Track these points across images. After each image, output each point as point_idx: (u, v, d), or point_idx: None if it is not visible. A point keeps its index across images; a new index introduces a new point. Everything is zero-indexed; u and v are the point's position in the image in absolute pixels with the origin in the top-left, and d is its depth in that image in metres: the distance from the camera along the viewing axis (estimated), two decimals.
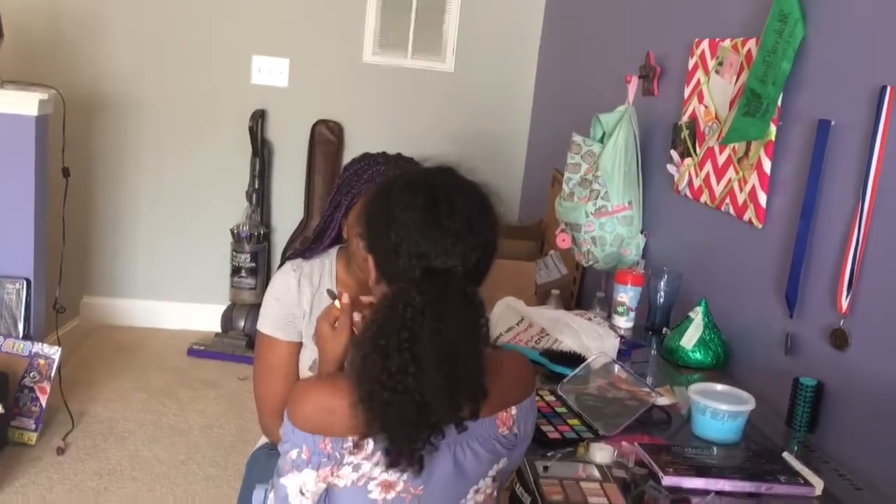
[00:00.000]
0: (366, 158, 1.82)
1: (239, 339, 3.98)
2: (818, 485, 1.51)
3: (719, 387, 1.78)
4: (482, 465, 1.29)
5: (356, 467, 1.23)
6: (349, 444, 1.22)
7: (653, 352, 2.31)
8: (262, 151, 4.14)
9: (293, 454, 1.23)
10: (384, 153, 1.84)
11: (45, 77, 3.28)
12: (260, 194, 4.16)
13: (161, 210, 4.22)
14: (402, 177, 1.33)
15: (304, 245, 1.87)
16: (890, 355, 1.62)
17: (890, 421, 1.61)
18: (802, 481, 1.52)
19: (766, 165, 2.06)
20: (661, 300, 2.43)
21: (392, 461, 1.17)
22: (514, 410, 1.27)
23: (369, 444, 1.21)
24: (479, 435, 1.27)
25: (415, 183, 1.27)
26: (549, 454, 1.58)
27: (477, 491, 1.29)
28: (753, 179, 2.11)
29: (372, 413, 1.14)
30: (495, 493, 1.33)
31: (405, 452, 1.15)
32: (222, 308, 4.12)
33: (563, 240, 2.97)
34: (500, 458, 1.32)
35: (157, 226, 4.23)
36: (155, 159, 4.18)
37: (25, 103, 2.92)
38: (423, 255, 1.19)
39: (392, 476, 1.22)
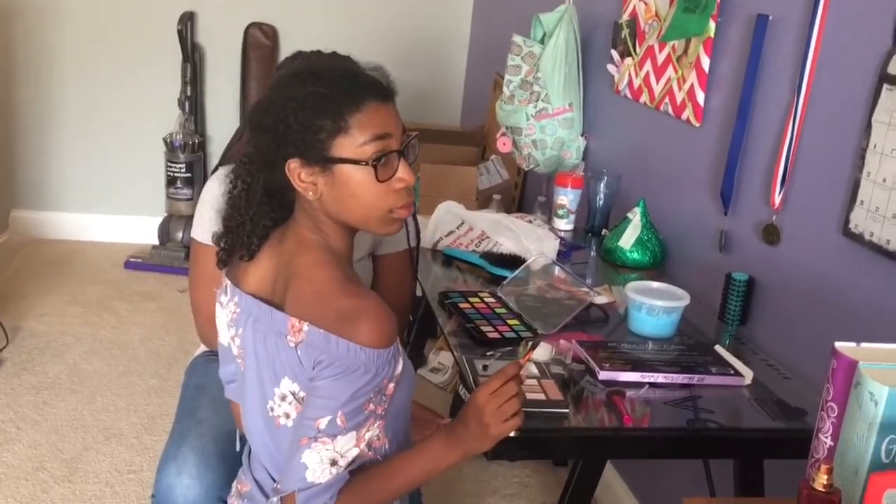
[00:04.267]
0: (299, 57, 1.76)
1: (177, 251, 3.91)
2: (748, 375, 1.56)
3: (655, 284, 1.80)
4: (272, 368, 1.18)
5: (223, 311, 1.30)
6: (224, 281, 1.29)
7: (592, 253, 2.33)
8: (192, 56, 3.98)
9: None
10: (318, 51, 1.78)
11: None
12: (193, 102, 4.01)
13: (90, 119, 4.05)
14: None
15: (236, 150, 1.81)
16: (817, 248, 1.66)
17: (815, 312, 1.66)
18: (733, 372, 1.57)
19: (705, 63, 2.05)
20: (601, 202, 2.45)
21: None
22: (305, 327, 1.11)
23: (228, 289, 1.28)
24: (272, 327, 1.16)
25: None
26: (488, 353, 1.60)
27: (283, 398, 1.17)
28: (692, 78, 2.10)
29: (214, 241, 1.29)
30: (318, 426, 1.14)
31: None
32: (159, 220, 4.03)
33: (504, 144, 2.94)
34: (290, 373, 1.15)
35: (87, 136, 4.07)
36: (80, 65, 3.98)
37: None
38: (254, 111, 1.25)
39: (233, 332, 1.25)
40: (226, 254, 1.26)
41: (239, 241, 1.22)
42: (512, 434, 1.32)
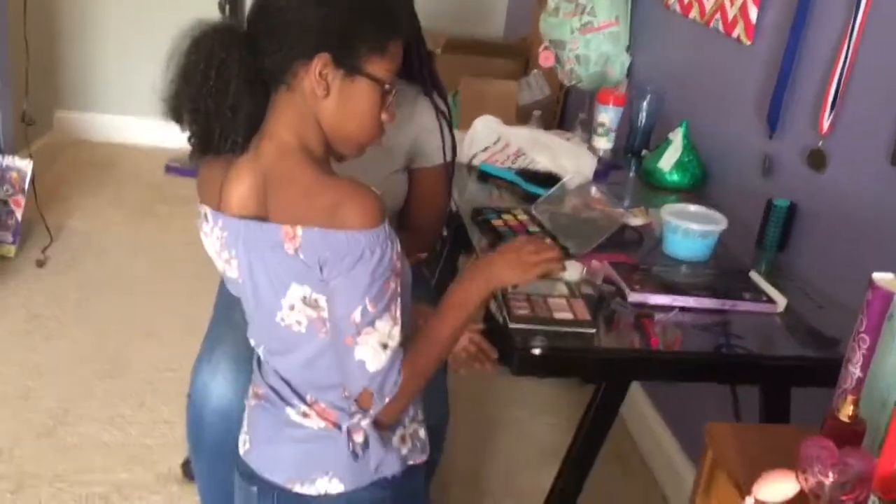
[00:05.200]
0: None
1: None
2: (781, 302, 1.54)
3: (692, 207, 1.77)
4: (273, 284, 1.16)
5: (208, 240, 1.25)
6: (202, 210, 1.23)
7: (631, 173, 2.29)
8: None
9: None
10: None
11: None
12: (233, 4, 3.95)
13: (129, 21, 4.03)
14: None
15: None
16: (865, 177, 1.61)
17: (858, 241, 1.63)
18: (766, 299, 1.55)
19: None
20: (643, 121, 2.39)
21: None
22: (299, 231, 1.10)
23: (209, 216, 1.22)
24: (266, 242, 1.14)
25: None
26: None
27: (292, 308, 1.16)
28: None
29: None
30: (334, 320, 1.14)
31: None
32: None
33: (547, 58, 2.87)
34: (296, 278, 1.14)
35: (126, 38, 4.05)
36: None
37: None
38: None
39: (226, 255, 1.21)
40: (201, 144, 1.16)
41: (219, 134, 1.14)
42: (537, 351, 1.34)
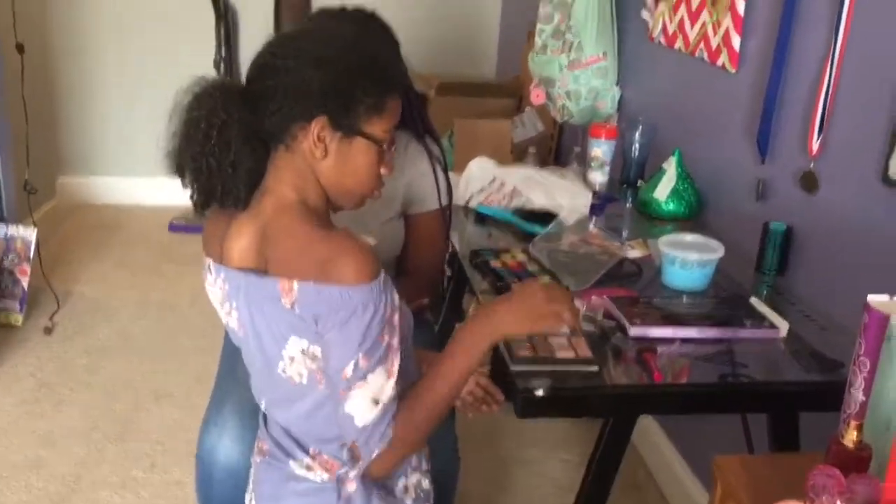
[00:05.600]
0: (322, 13, 1.77)
1: None
2: (783, 327, 1.54)
3: (689, 236, 1.78)
4: (274, 336, 1.18)
5: (212, 290, 1.27)
6: (206, 262, 1.27)
7: (628, 205, 2.30)
8: (226, 17, 3.98)
9: (348, 370, 1.13)
10: (342, 7, 1.77)
11: None
12: (227, 62, 4.03)
13: (127, 84, 4.10)
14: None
15: None
16: (856, 196, 1.62)
17: (854, 261, 1.63)
18: (768, 324, 1.55)
19: (740, 6, 1.98)
20: (636, 153, 2.41)
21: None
22: (295, 285, 1.11)
23: (212, 268, 1.24)
24: (264, 295, 1.16)
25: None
26: None
27: (293, 360, 1.18)
28: (727, 22, 2.04)
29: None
30: (342, 374, 1.14)
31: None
32: None
33: (538, 95, 2.90)
34: (294, 331, 1.15)
35: (125, 100, 4.12)
36: (116, 30, 4.02)
37: None
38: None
39: (227, 307, 1.23)
40: (203, 199, 1.19)
41: (221, 190, 1.16)
42: (540, 393, 1.34)
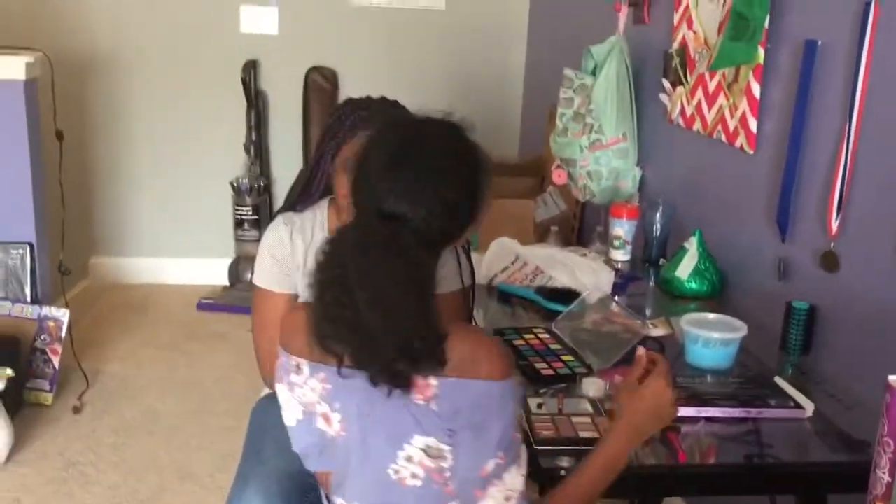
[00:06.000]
0: (349, 104, 1.81)
1: (246, 291, 3.98)
2: (808, 407, 1.53)
3: (711, 316, 1.79)
4: (397, 430, 1.17)
5: (301, 389, 1.23)
6: (293, 362, 1.23)
7: (650, 284, 2.32)
8: (256, 102, 4.12)
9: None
10: (368, 97, 1.82)
11: (30, 40, 3.25)
12: (258, 146, 4.14)
13: (159, 166, 4.22)
14: (396, 121, 1.31)
15: (295, 197, 1.87)
16: (878, 275, 1.63)
17: (878, 340, 1.63)
18: (793, 404, 1.54)
19: (756, 90, 2.03)
20: (658, 232, 2.43)
21: (372, 379, 1.15)
22: (433, 381, 1.12)
23: (305, 368, 1.22)
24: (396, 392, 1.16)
25: (399, 127, 1.27)
26: (541, 391, 1.60)
27: (409, 459, 1.16)
28: (743, 105, 2.09)
29: (320, 341, 1.15)
30: (454, 475, 1.16)
31: (373, 373, 1.13)
32: (228, 261, 4.16)
33: (560, 176, 2.96)
34: (421, 430, 1.15)
35: (157, 182, 4.24)
36: (148, 116, 4.16)
37: (12, 68, 2.90)
38: (376, 196, 1.17)
39: (325, 409, 1.21)
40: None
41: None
42: (564, 473, 1.33)
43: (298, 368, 1.23)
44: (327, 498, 1.44)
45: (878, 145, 1.63)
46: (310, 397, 1.23)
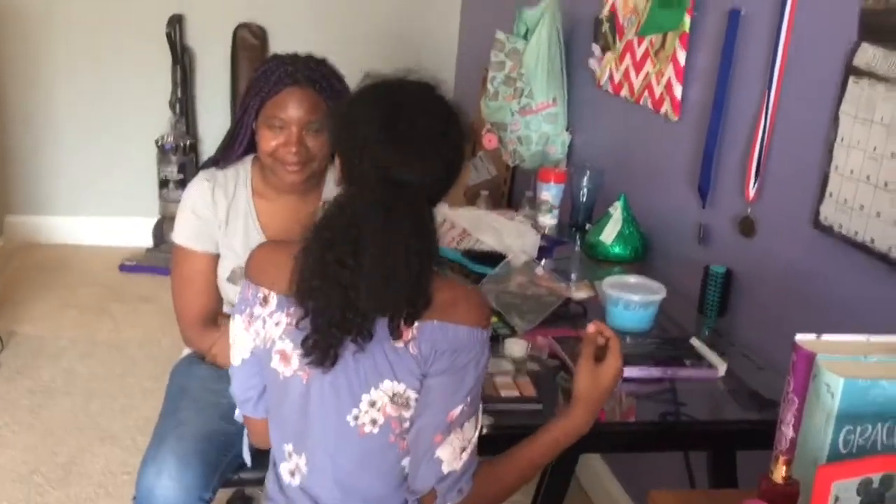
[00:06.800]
0: (275, 59, 1.77)
1: (171, 253, 3.92)
2: (721, 366, 1.58)
3: (632, 279, 1.82)
4: (374, 372, 1.18)
5: (263, 322, 1.23)
6: (261, 294, 1.23)
7: (576, 248, 2.34)
8: (182, 59, 3.99)
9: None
10: (295, 54, 1.79)
11: None
12: (183, 104, 4.03)
13: (79, 121, 4.07)
14: (373, 86, 1.29)
15: (216, 153, 1.83)
16: (790, 240, 1.68)
17: (789, 303, 1.68)
18: (707, 364, 1.59)
19: (681, 57, 2.06)
20: (584, 197, 2.46)
21: (304, 345, 1.17)
22: (414, 325, 1.14)
23: (273, 300, 1.22)
24: (380, 335, 1.17)
25: (381, 92, 1.26)
26: None
27: (372, 404, 1.18)
28: (669, 72, 2.11)
29: (301, 293, 1.16)
30: (404, 426, 1.19)
31: (319, 341, 1.15)
32: (152, 222, 4.05)
33: (490, 140, 2.96)
34: (393, 375, 1.17)
35: (77, 138, 4.09)
36: (68, 68, 4.00)
37: None
38: (380, 162, 1.16)
39: (286, 346, 1.22)
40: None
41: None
42: (485, 431, 1.35)
43: (265, 300, 1.23)
44: (251, 450, 1.43)
45: (795, 114, 1.68)
46: (271, 332, 1.23)
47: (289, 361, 1.22)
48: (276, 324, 1.22)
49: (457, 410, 1.16)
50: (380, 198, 1.14)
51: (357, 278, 1.12)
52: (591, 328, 1.31)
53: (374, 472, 1.22)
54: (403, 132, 1.18)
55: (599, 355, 1.29)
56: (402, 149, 1.17)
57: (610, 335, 1.30)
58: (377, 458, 1.21)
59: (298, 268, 1.16)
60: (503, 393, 1.45)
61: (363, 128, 1.19)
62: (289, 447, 1.26)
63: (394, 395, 1.17)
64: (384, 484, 1.22)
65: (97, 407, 2.81)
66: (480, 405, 1.22)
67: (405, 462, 1.22)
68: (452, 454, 1.17)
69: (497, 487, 1.24)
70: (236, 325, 1.28)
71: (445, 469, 1.17)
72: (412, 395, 1.17)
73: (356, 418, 1.19)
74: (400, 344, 1.15)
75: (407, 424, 1.19)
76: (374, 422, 1.18)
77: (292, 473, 1.26)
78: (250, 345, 1.26)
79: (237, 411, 1.37)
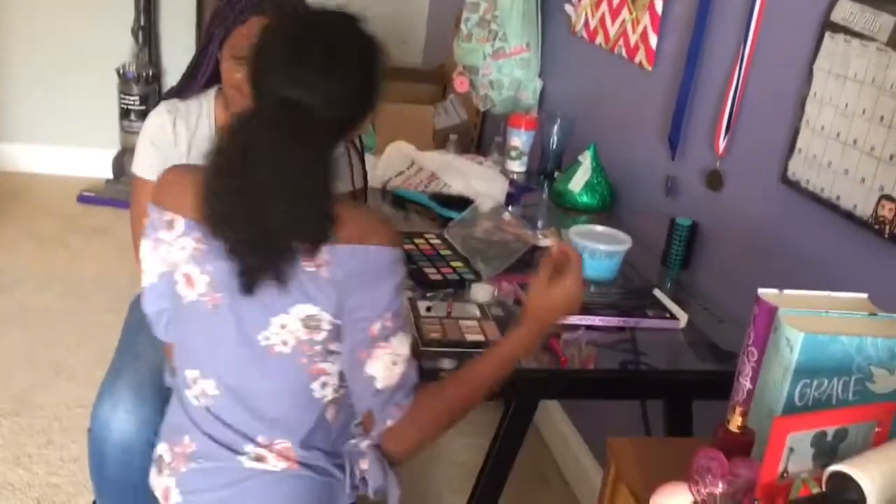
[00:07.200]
0: None
1: (131, 185, 3.84)
2: (682, 318, 1.59)
3: (599, 228, 1.82)
4: (281, 295, 1.16)
5: (169, 247, 1.23)
6: (167, 218, 1.22)
7: (544, 196, 2.34)
8: None
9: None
10: None
11: None
12: (147, 31, 3.90)
13: (38, 46, 3.93)
14: (291, 12, 1.29)
15: (178, 83, 1.78)
16: (757, 195, 1.69)
17: (753, 257, 1.70)
18: (669, 315, 1.60)
19: (658, 5, 2.03)
20: (554, 145, 2.44)
21: (232, 277, 1.16)
22: (325, 248, 1.14)
23: (179, 224, 1.21)
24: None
25: (295, 18, 1.28)
26: (429, 295, 1.61)
27: (283, 327, 1.17)
28: (646, 20, 2.09)
29: (208, 222, 1.15)
30: (315, 349, 1.19)
31: (244, 272, 1.15)
32: (112, 153, 3.95)
33: (461, 83, 2.91)
34: (307, 297, 1.16)
35: (35, 63, 3.95)
36: None
37: None
38: (279, 84, 1.16)
39: (192, 271, 1.21)
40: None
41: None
42: (443, 375, 1.35)
43: (171, 224, 1.22)
44: (171, 371, 1.40)
45: (769, 68, 1.66)
46: (176, 256, 1.22)
47: (193, 285, 1.21)
48: (182, 248, 1.21)
49: (377, 325, 1.16)
50: (269, 118, 1.15)
51: (255, 201, 1.12)
52: (553, 246, 1.31)
53: (283, 393, 1.21)
54: (304, 55, 1.18)
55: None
56: (299, 70, 1.17)
57: (573, 256, 1.29)
58: (287, 378, 1.20)
59: (202, 194, 1.15)
60: (469, 337, 1.45)
61: (269, 53, 1.20)
62: (194, 373, 1.25)
63: (306, 316, 1.16)
64: (293, 406, 1.22)
65: (52, 340, 2.77)
66: (406, 321, 1.21)
67: (314, 386, 1.21)
68: (385, 369, 1.17)
69: (442, 407, 1.22)
70: (144, 249, 1.27)
71: (380, 385, 1.17)
72: (326, 317, 1.16)
73: (267, 339, 1.19)
74: (312, 267, 1.14)
75: (318, 348, 1.18)
76: (284, 342, 1.18)
77: (197, 398, 1.26)
78: (158, 269, 1.26)
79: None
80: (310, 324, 1.17)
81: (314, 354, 1.19)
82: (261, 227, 1.12)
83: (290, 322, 1.17)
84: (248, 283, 1.15)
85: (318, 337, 1.18)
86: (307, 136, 1.13)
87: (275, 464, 1.22)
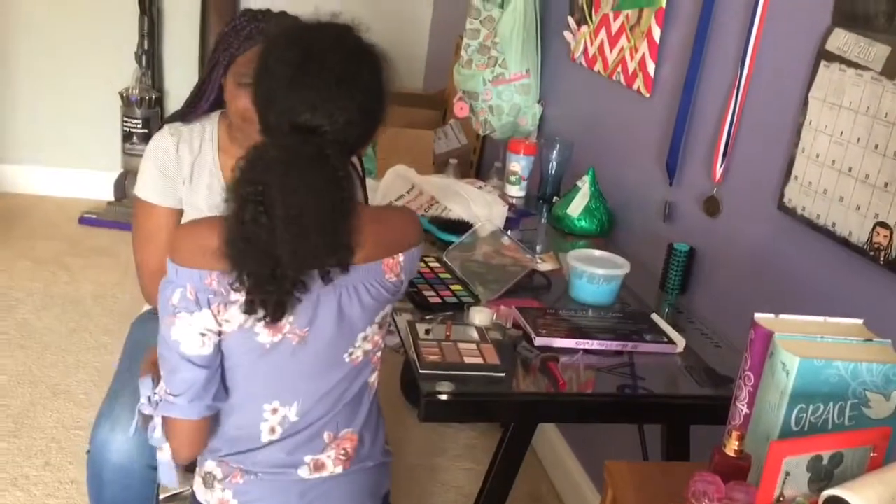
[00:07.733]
0: (247, 14, 1.73)
1: (133, 208, 3.86)
2: (680, 343, 1.60)
3: (597, 253, 1.83)
4: (367, 312, 1.26)
5: (241, 307, 1.20)
6: (233, 279, 1.20)
7: (542, 220, 2.35)
8: (150, 9, 3.90)
9: (175, 297, 1.18)
10: (267, 10, 1.75)
11: None
12: (150, 56, 3.94)
13: (43, 72, 3.97)
14: (287, 31, 1.29)
15: (182, 108, 1.80)
16: (754, 221, 1.70)
17: (749, 283, 1.71)
18: (666, 340, 1.61)
19: (656, 33, 2.06)
20: (553, 170, 2.46)
21: (247, 308, 1.17)
22: (401, 258, 1.28)
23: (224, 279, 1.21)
24: (366, 280, 1.25)
25: (294, 37, 1.25)
26: (428, 317, 1.61)
27: (365, 338, 1.29)
28: (644, 48, 2.11)
29: (230, 259, 1.14)
30: (381, 340, 1.34)
31: (258, 300, 1.16)
32: (114, 175, 3.98)
33: (461, 108, 2.94)
34: (385, 305, 1.30)
35: (42, 89, 3.99)
36: (34, 17, 3.89)
37: None
38: (288, 110, 1.16)
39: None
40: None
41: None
42: (444, 397, 1.36)
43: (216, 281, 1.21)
44: (176, 468, 1.34)
45: (765, 96, 1.69)
46: (238, 311, 1.21)
47: (281, 328, 1.22)
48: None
49: (388, 310, 1.33)
50: (284, 147, 1.13)
51: (273, 236, 1.11)
52: None
53: (350, 391, 1.32)
54: (310, 76, 1.16)
55: None
56: (308, 93, 1.16)
57: None
58: (360, 378, 1.32)
59: (225, 227, 1.14)
60: (467, 360, 1.46)
61: (272, 79, 1.19)
62: (272, 405, 1.27)
63: (381, 318, 1.30)
64: (356, 398, 1.33)
65: (51, 360, 2.77)
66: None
67: (372, 379, 1.36)
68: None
69: None
70: (204, 318, 1.20)
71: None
72: (389, 310, 1.32)
73: (351, 354, 1.27)
74: (393, 277, 1.27)
75: (381, 342, 1.33)
76: (365, 352, 1.29)
77: (273, 430, 1.28)
78: (214, 338, 1.21)
79: (153, 433, 1.30)
80: (383, 323, 1.31)
81: (377, 349, 1.33)
82: (281, 259, 1.13)
83: (371, 331, 1.29)
84: (281, 310, 1.19)
85: (383, 332, 1.32)
86: (324, 159, 1.13)
87: (332, 470, 1.30)
